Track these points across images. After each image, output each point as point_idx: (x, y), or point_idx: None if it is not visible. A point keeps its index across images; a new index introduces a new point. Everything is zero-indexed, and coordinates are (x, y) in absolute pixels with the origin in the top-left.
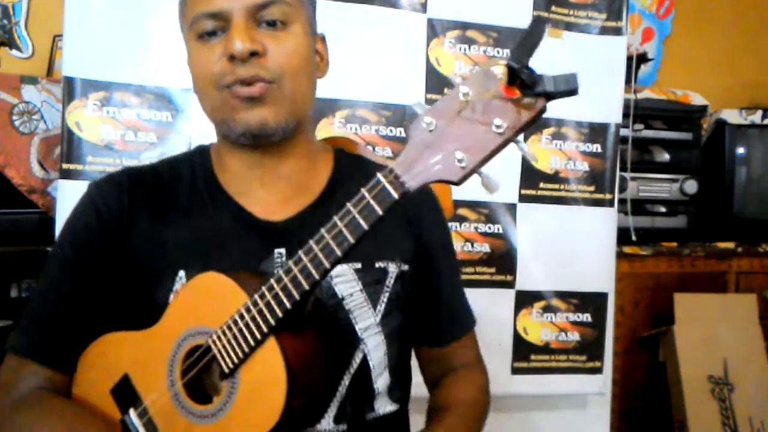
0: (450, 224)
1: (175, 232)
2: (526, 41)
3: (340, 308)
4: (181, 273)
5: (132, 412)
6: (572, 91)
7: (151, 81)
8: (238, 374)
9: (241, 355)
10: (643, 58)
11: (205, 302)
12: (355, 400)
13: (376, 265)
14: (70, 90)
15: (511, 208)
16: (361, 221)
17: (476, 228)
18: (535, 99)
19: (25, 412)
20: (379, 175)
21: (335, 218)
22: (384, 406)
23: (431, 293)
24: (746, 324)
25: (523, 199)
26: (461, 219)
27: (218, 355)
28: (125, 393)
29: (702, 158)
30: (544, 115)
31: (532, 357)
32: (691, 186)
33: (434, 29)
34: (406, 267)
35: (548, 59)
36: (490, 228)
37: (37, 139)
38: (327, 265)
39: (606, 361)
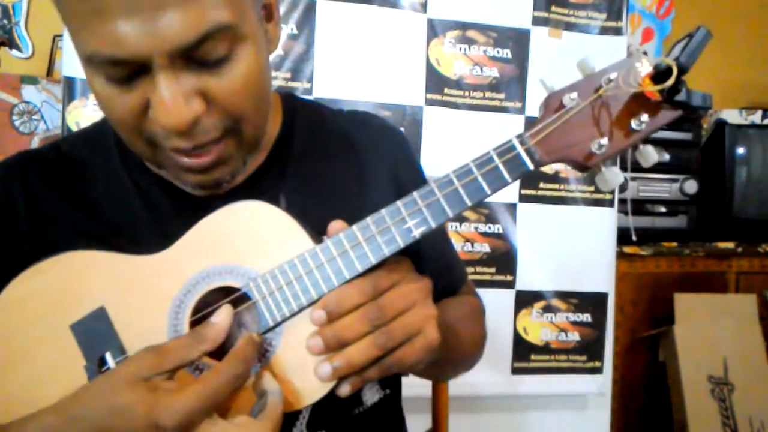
0: (450, 224)
1: (91, 216)
2: (694, 50)
3: None
4: None
5: (109, 356)
6: (706, 109)
7: None
8: (281, 330)
9: (295, 308)
10: None
11: (246, 237)
12: (336, 399)
13: None
14: (70, 90)
15: (511, 208)
16: (485, 185)
17: (476, 228)
18: (672, 107)
19: None
20: (515, 141)
21: (450, 174)
22: (372, 395)
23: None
24: (746, 324)
25: (523, 199)
26: (461, 219)
27: (262, 303)
28: (95, 329)
29: (702, 158)
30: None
31: (532, 357)
32: (691, 186)
33: (434, 29)
34: None
35: (548, 59)
36: (490, 228)
37: (37, 139)
38: (432, 224)
39: (606, 361)
